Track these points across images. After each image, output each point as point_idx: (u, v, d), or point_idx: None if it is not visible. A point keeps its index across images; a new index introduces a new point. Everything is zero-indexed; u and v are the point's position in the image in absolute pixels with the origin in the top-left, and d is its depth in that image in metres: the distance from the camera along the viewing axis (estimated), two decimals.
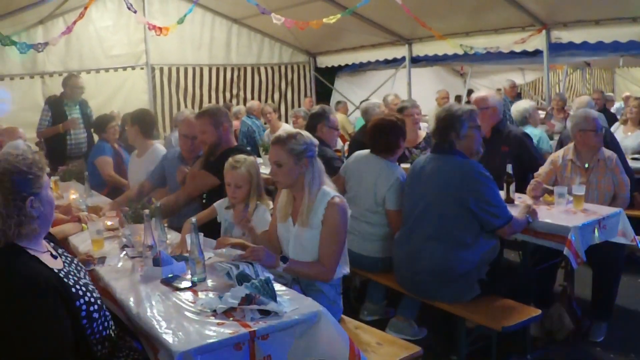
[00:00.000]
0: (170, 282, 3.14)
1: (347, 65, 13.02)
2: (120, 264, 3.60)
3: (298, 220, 3.53)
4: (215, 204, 4.33)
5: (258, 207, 4.10)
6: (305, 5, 10.22)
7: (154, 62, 11.80)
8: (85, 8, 7.47)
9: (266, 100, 13.01)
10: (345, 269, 3.59)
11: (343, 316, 3.68)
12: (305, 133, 3.57)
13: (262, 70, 13.16)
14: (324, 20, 9.12)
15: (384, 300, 4.97)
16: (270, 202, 4.16)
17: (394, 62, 11.83)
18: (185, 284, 3.11)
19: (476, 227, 3.97)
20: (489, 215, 3.92)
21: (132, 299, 2.97)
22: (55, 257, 2.64)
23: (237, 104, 12.38)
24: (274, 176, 3.55)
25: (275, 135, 3.58)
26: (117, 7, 10.91)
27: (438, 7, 8.64)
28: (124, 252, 3.79)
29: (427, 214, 4.06)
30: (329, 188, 3.54)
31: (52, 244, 2.78)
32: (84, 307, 2.49)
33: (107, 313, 2.70)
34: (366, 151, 4.92)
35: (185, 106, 12.14)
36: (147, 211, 3.53)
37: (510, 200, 4.66)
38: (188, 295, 2.98)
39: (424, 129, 6.86)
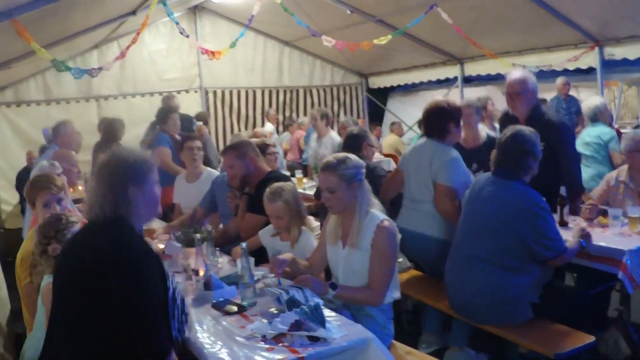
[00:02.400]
0: (220, 306, 3.17)
1: (399, 85, 13.00)
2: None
3: (348, 243, 3.53)
4: (259, 232, 4.38)
5: (302, 232, 4.11)
6: (356, 27, 10.23)
7: (207, 85, 11.96)
8: (138, 33, 7.62)
9: None
10: (396, 293, 3.55)
11: (394, 341, 3.62)
12: (353, 156, 3.58)
13: (314, 91, 13.20)
14: (375, 41, 9.14)
15: (441, 329, 4.81)
16: (314, 222, 4.18)
17: (447, 82, 11.75)
18: (236, 308, 3.14)
19: (528, 255, 3.87)
20: (541, 248, 3.81)
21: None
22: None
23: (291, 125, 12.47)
24: (327, 202, 3.57)
25: (324, 161, 3.58)
26: (169, 31, 11.10)
27: (489, 25, 8.56)
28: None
29: (480, 237, 3.97)
30: (377, 210, 3.55)
31: None
32: (170, 288, 2.65)
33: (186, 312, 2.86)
34: (421, 140, 4.98)
35: (239, 129, 12.28)
36: (198, 235, 3.57)
37: (563, 224, 4.57)
38: (238, 319, 3.01)
39: (484, 129, 6.65)
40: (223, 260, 4.08)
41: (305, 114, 12.99)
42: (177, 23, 8.08)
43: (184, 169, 6.50)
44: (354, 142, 5.83)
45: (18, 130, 10.42)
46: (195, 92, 11.93)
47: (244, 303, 3.16)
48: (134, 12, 8.77)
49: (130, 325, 2.33)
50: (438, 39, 10.31)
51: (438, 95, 12.27)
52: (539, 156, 3.99)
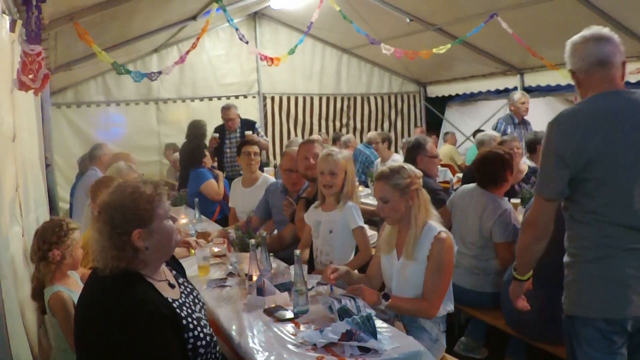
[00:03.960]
0: (272, 313, 3.17)
1: (457, 95, 12.87)
2: (224, 291, 3.66)
3: (403, 253, 3.48)
4: (304, 215, 4.43)
5: (347, 204, 4.12)
6: (415, 35, 10.16)
7: (265, 91, 12.06)
8: (198, 38, 7.68)
9: (376, 129, 13.01)
10: (450, 306, 3.50)
11: (445, 354, 3.57)
12: (408, 166, 3.54)
13: (372, 99, 13.14)
14: (434, 50, 9.04)
15: (483, 340, 4.83)
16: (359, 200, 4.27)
17: (506, 92, 11.54)
18: (288, 315, 3.13)
19: None
20: None
21: (234, 327, 3.03)
22: (172, 286, 2.63)
23: (347, 132, 12.44)
24: (381, 212, 3.54)
25: (378, 171, 3.57)
26: (229, 36, 11.24)
27: (550, 35, 8.30)
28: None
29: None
30: (435, 222, 3.48)
31: (174, 272, 2.80)
32: (191, 340, 2.46)
33: (216, 351, 2.63)
34: (472, 185, 4.85)
35: (296, 135, 12.31)
36: (253, 241, 3.58)
37: None
38: (289, 326, 3.00)
39: (525, 162, 6.63)
40: (277, 266, 4.06)
41: (362, 122, 13.00)
42: (236, 29, 8.12)
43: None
44: (408, 154, 5.87)
45: (77, 130, 10.70)
46: (253, 97, 12.05)
47: (296, 310, 3.15)
48: (194, 18, 8.89)
49: None
50: (498, 48, 10.17)
51: (497, 106, 12.24)
52: None
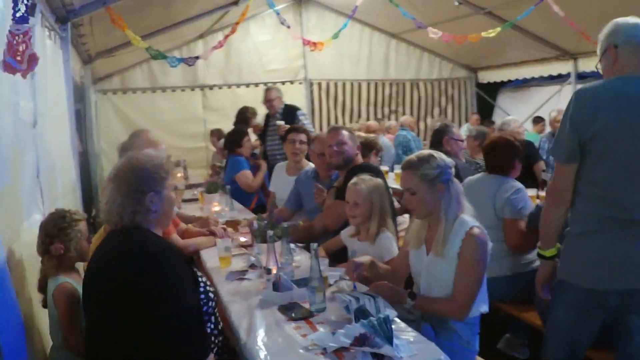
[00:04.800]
0: (287, 310, 2.95)
1: (509, 80, 12.43)
2: (242, 285, 3.47)
3: (432, 249, 3.17)
4: (341, 232, 4.11)
5: (381, 232, 3.77)
6: (465, 19, 9.81)
7: (312, 76, 11.90)
8: (237, 23, 7.53)
9: (425, 117, 12.73)
10: (483, 307, 3.17)
11: (478, 358, 3.30)
12: (439, 154, 3.21)
13: (422, 85, 12.80)
14: (483, 34, 8.70)
15: (525, 338, 4.53)
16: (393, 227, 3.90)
17: (559, 79, 11.13)
18: (303, 313, 2.90)
19: None
20: None
21: (243, 326, 2.82)
22: None
23: (396, 119, 12.14)
24: (408, 204, 3.24)
25: (406, 160, 3.27)
26: (275, 22, 10.89)
27: (604, 18, 7.76)
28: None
29: None
30: (468, 216, 3.17)
31: None
32: (202, 285, 2.67)
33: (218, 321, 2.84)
34: (478, 175, 4.69)
35: (343, 121, 12.12)
36: (271, 232, 3.38)
37: None
38: (302, 326, 2.77)
39: None
40: (301, 259, 3.84)
41: (411, 108, 12.69)
42: (277, 13, 7.96)
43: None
44: (434, 139, 5.75)
45: (123, 117, 10.75)
46: (300, 83, 11.91)
47: (312, 308, 2.92)
48: (235, 3, 8.76)
49: (163, 336, 2.32)
50: (550, 32, 9.76)
51: (549, 92, 11.79)
52: None
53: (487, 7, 9.47)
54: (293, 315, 2.88)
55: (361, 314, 2.66)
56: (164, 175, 2.64)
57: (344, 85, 12.19)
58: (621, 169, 2.67)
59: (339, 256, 4.01)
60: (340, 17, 11.28)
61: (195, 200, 6.66)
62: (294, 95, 11.40)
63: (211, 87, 11.26)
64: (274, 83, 11.29)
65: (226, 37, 7.57)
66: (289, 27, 8.26)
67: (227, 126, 9.10)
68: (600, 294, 2.73)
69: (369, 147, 5.83)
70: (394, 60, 12.45)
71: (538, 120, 11.10)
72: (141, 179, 2.56)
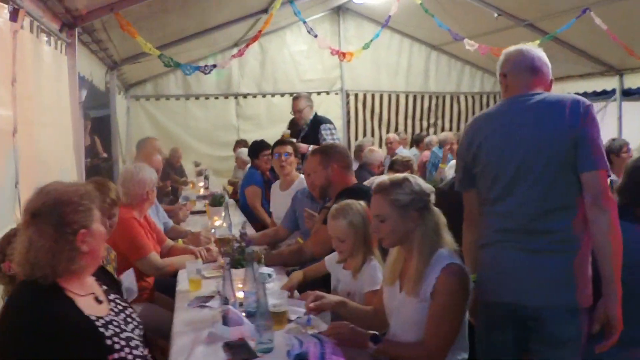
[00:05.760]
0: (230, 349, 2.68)
1: None
2: (202, 313, 3.24)
3: (405, 287, 2.84)
4: (325, 258, 3.76)
5: (368, 262, 3.41)
6: (504, 32, 9.41)
7: (348, 87, 11.64)
8: (260, 31, 7.36)
9: None
10: (462, 355, 2.82)
11: None
12: (415, 179, 2.87)
13: (462, 98, 12.38)
14: None
15: None
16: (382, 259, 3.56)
17: (604, 95, 10.60)
18: (245, 354, 2.63)
19: None
20: None
21: None
22: (100, 302, 2.41)
23: (435, 133, 11.80)
24: (377, 234, 2.91)
25: (377, 182, 2.97)
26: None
27: None
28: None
29: None
30: (449, 250, 2.80)
31: (104, 287, 2.54)
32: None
33: None
34: None
35: (380, 133, 11.83)
36: (223, 260, 3.14)
37: None
38: None
39: None
40: (274, 287, 3.59)
41: (451, 122, 12.32)
42: (304, 22, 7.74)
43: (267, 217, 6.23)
44: None
45: (156, 123, 10.75)
46: (336, 94, 11.69)
47: (258, 349, 2.64)
48: (265, 11, 8.58)
49: None
50: (594, 47, 9.28)
51: (595, 109, 11.24)
52: None
53: (527, 19, 9.07)
54: (233, 356, 2.62)
55: None
56: (90, 205, 2.32)
57: (381, 96, 11.88)
58: (500, 184, 2.78)
59: (321, 284, 3.73)
60: (379, 27, 11.00)
61: (204, 212, 6.49)
62: (330, 106, 11.28)
63: (245, 96, 11.14)
64: (310, 93, 11.11)
65: (246, 46, 7.37)
66: (316, 36, 8.03)
67: (260, 135, 8.92)
68: (502, 306, 2.76)
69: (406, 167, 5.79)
70: (433, 72, 12.08)
71: None
72: (70, 216, 2.23)
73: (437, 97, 12.20)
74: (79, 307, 2.25)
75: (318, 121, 7.38)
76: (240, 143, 9.98)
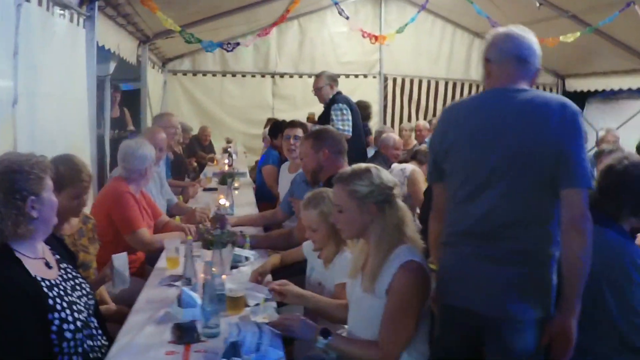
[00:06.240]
0: (178, 330, 2.66)
1: (597, 91, 11.53)
2: (168, 292, 3.23)
3: (363, 282, 2.76)
4: (304, 244, 3.66)
5: (341, 252, 3.32)
6: (546, 22, 9.11)
7: (387, 71, 11.50)
8: (288, 10, 7.39)
9: None
10: (420, 358, 2.70)
11: None
12: (378, 171, 2.76)
13: None
14: (561, 38, 8.14)
15: None
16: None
17: None
18: (190, 337, 2.62)
19: (617, 339, 2.74)
20: (633, 330, 2.72)
21: (121, 343, 2.59)
22: (50, 267, 2.57)
23: None
24: (336, 224, 2.85)
25: (339, 172, 2.91)
26: (352, 13, 10.67)
27: None
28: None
29: None
30: (411, 246, 2.68)
31: (57, 256, 2.70)
32: (56, 322, 2.39)
33: (96, 345, 2.60)
34: None
35: (417, 119, 11.65)
36: (184, 240, 3.13)
37: None
38: (178, 352, 2.49)
39: None
40: (250, 269, 3.56)
41: None
42: (336, 3, 7.67)
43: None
44: None
45: (192, 99, 10.87)
46: (374, 77, 11.56)
47: (203, 333, 2.62)
48: None
49: None
50: (639, 42, 8.95)
51: (638, 106, 10.88)
52: None
53: (570, 10, 8.76)
54: (178, 338, 2.62)
55: (232, 350, 2.37)
56: (41, 174, 2.45)
57: (420, 82, 11.68)
58: (469, 186, 2.60)
59: (298, 270, 3.69)
60: (423, 12, 10.82)
61: (216, 189, 6.51)
62: (367, 90, 11.22)
63: (282, 75, 11.13)
64: (347, 76, 11.12)
65: (274, 24, 7.38)
66: (347, 17, 7.96)
67: (295, 115, 8.82)
68: (457, 310, 2.62)
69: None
70: (476, 60, 11.71)
71: None
72: (19, 182, 2.37)
73: (479, 86, 11.88)
74: (26, 267, 2.40)
75: (334, 101, 7.01)
76: (270, 121, 9.97)
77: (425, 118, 11.56)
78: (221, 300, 2.86)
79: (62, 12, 4.93)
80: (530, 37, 2.68)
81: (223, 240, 3.21)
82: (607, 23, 7.75)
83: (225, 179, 6.32)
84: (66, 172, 3.21)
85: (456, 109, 2.81)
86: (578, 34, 8.07)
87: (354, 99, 9.73)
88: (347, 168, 2.89)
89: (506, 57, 2.65)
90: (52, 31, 4.75)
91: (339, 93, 7.09)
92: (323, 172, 4.20)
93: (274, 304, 2.97)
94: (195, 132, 9.92)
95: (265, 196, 6.39)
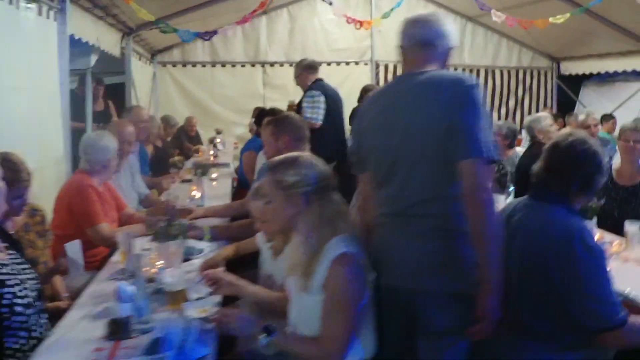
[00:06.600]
0: (112, 325, 2.59)
1: (592, 74, 11.37)
2: (112, 286, 3.15)
3: (298, 280, 2.60)
4: (257, 234, 3.49)
5: (292, 244, 3.14)
6: (538, 4, 8.98)
7: (379, 58, 11.35)
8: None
9: (499, 107, 11.93)
10: (366, 351, 2.58)
11: None
12: (310, 160, 2.60)
13: (497, 73, 11.91)
14: (551, 19, 8.01)
15: None
16: None
17: None
18: (121, 333, 2.54)
19: (565, 320, 2.59)
20: (581, 311, 2.54)
21: (51, 340, 2.55)
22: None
23: None
24: (262, 217, 2.74)
25: (268, 161, 2.82)
26: (343, 0, 10.64)
27: None
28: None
29: (509, 291, 2.56)
30: (344, 237, 2.50)
31: (5, 244, 2.80)
32: (7, 295, 2.54)
33: (39, 321, 2.74)
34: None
35: None
36: (130, 229, 3.07)
37: None
38: (105, 348, 2.42)
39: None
40: (198, 262, 3.47)
41: (485, 97, 11.88)
42: None
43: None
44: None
45: (182, 90, 10.84)
46: (366, 64, 11.44)
47: (137, 329, 2.55)
48: None
49: None
50: (635, 23, 8.79)
51: (634, 88, 10.72)
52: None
53: None
54: (110, 334, 2.55)
55: (152, 348, 2.29)
56: None
57: None
58: (381, 170, 2.68)
59: (253, 263, 3.57)
60: None
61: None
62: (359, 76, 11.10)
63: (272, 64, 11.03)
64: (339, 63, 11.07)
65: (253, 12, 7.29)
66: (330, 3, 7.88)
67: (287, 104, 8.85)
68: (387, 288, 2.65)
69: None
70: (468, 44, 11.60)
71: (607, 117, 10.05)
72: None
73: (471, 71, 11.68)
74: None
75: (309, 88, 6.82)
76: (257, 110, 9.91)
77: None
78: (161, 295, 2.80)
79: (29, 5, 4.89)
80: (437, 20, 2.74)
81: (170, 232, 3.13)
82: (598, 3, 7.65)
83: (204, 169, 6.25)
84: (6, 175, 3.07)
85: (369, 98, 2.92)
86: (568, 15, 7.93)
87: (347, 86, 9.78)
88: (277, 157, 2.73)
89: (412, 43, 2.71)
90: (18, 26, 4.73)
91: (317, 80, 6.91)
92: None
93: (217, 298, 2.90)
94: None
95: (246, 184, 6.33)
